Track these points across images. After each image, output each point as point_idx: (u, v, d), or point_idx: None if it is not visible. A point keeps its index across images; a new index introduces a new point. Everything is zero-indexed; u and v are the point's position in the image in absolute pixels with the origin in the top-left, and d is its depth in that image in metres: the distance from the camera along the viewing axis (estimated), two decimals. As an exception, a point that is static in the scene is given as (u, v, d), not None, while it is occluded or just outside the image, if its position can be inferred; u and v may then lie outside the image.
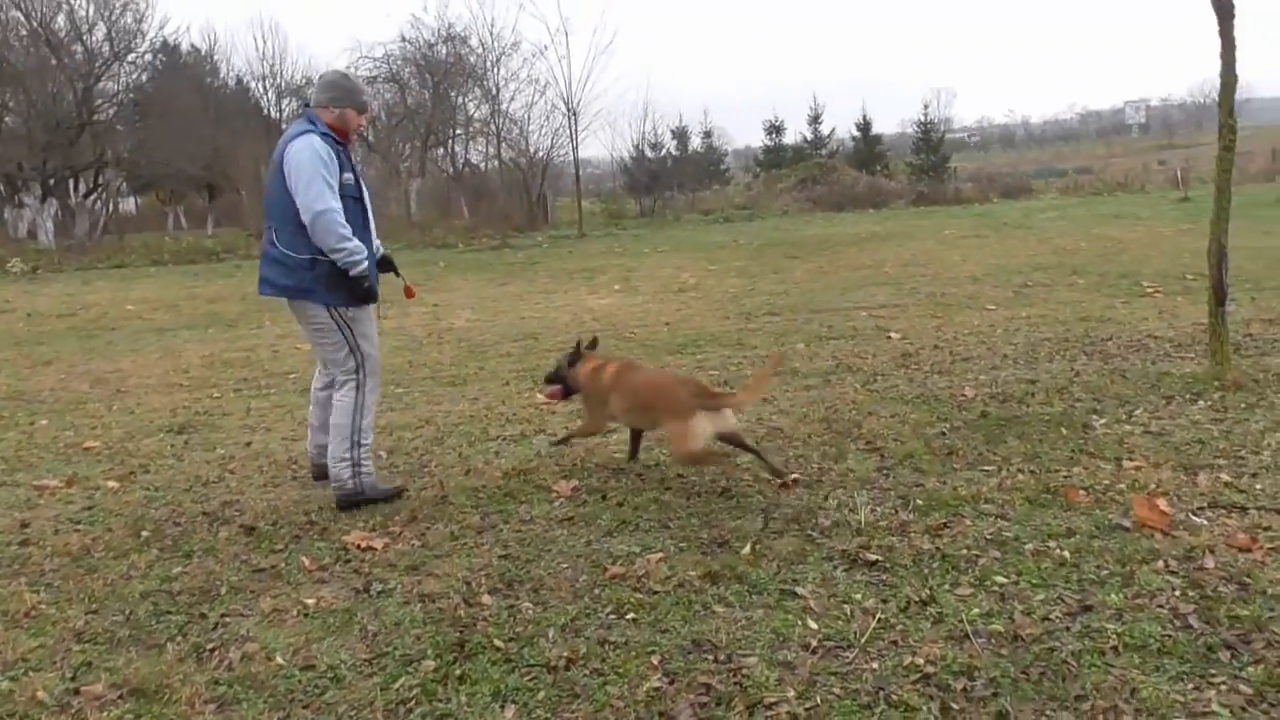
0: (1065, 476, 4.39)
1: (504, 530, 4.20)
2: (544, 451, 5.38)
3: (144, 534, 4.33)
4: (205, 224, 36.45)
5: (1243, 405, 5.35)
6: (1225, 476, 4.24)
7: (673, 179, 35.28)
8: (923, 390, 6.28)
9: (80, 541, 4.24)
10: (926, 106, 47.94)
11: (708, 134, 45.31)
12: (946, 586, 3.36)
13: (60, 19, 32.19)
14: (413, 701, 2.81)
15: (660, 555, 3.79)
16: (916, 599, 3.27)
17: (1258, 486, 4.09)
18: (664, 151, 39.11)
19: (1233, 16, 5.64)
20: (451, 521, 4.33)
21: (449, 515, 4.41)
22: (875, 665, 2.87)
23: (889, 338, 8.60)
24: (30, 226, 29.75)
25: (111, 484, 5.18)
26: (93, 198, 32.84)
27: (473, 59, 32.29)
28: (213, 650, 3.18)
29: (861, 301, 11.09)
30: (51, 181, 30.77)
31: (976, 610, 3.17)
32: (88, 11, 32.29)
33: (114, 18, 32.73)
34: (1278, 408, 5.26)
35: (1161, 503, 3.84)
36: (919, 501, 4.23)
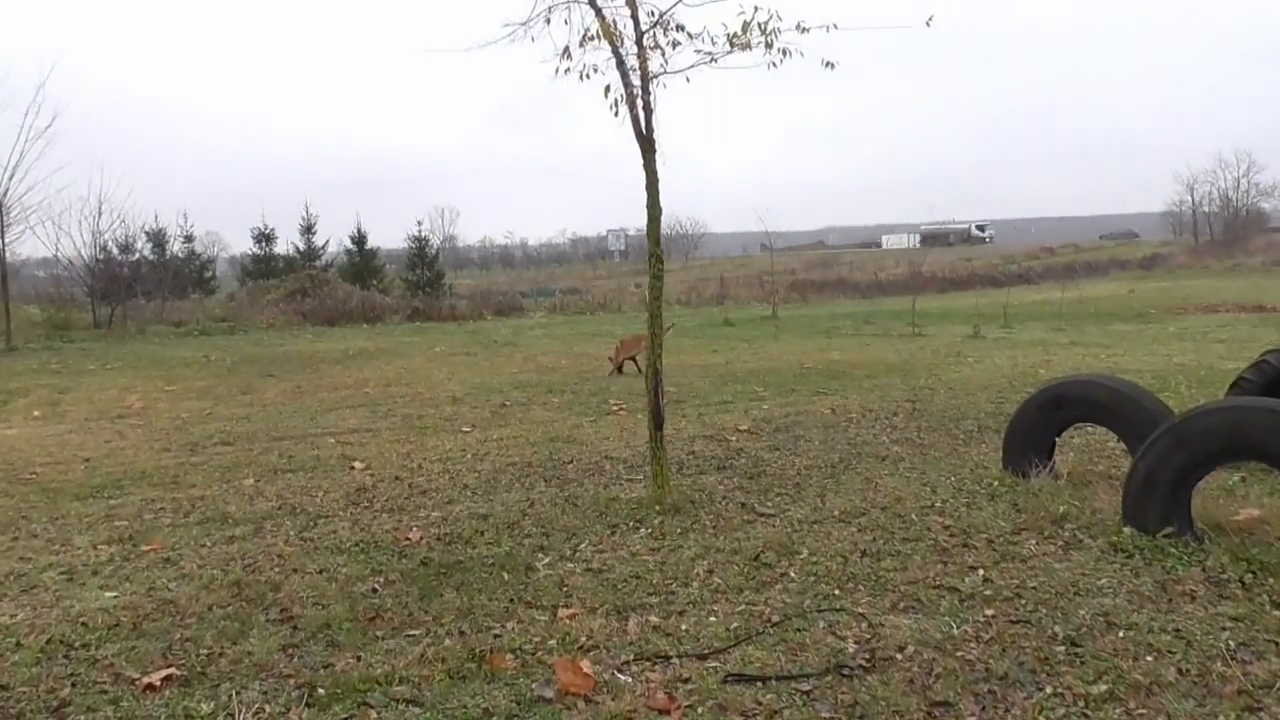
0: (496, 635, 3.88)
1: None
2: None
3: None
4: None
5: (679, 530, 5.34)
6: (654, 618, 4.00)
7: (146, 286, 31.59)
8: (365, 535, 5.54)
9: None
10: (420, 223, 48.90)
11: (188, 238, 41.76)
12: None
13: None
14: None
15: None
16: None
17: (683, 627, 3.89)
18: (137, 255, 35.13)
19: (654, 151, 5.85)
20: None
21: None
22: None
23: (352, 468, 7.81)
24: None
25: None
26: None
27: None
28: None
29: (332, 426, 10.20)
30: None
31: None
32: None
33: None
34: (708, 531, 5.32)
35: (585, 664, 3.45)
36: (321, 691, 3.43)
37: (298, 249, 40.60)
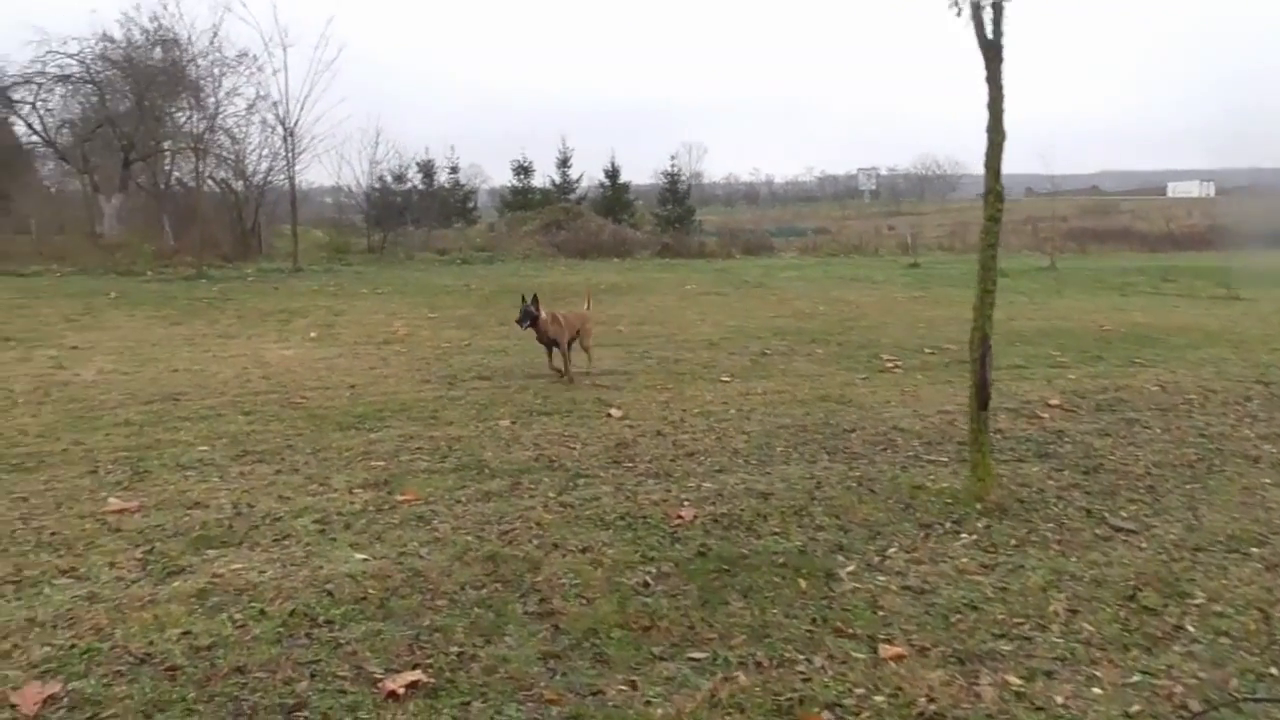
0: (804, 676, 3.03)
1: None
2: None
3: None
4: None
5: (1012, 541, 4.27)
6: (1013, 678, 3.01)
7: (415, 213, 33.06)
8: (631, 506, 4.84)
9: None
10: (673, 158, 48.32)
11: (454, 169, 43.33)
12: None
13: None
14: None
15: None
16: None
17: (1058, 699, 2.88)
18: (409, 185, 36.81)
19: (1000, 60, 4.68)
20: None
21: None
22: None
23: (609, 415, 7.23)
24: None
25: None
26: None
27: (192, 69, 28.74)
28: None
29: (587, 365, 9.72)
30: None
31: None
32: None
33: None
34: (1051, 546, 4.22)
35: (941, 755, 2.53)
36: (590, 731, 2.72)
37: (553, 182, 41.24)
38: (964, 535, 4.35)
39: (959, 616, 3.47)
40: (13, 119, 30.59)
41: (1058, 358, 10.18)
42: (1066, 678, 3.02)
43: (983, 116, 4.74)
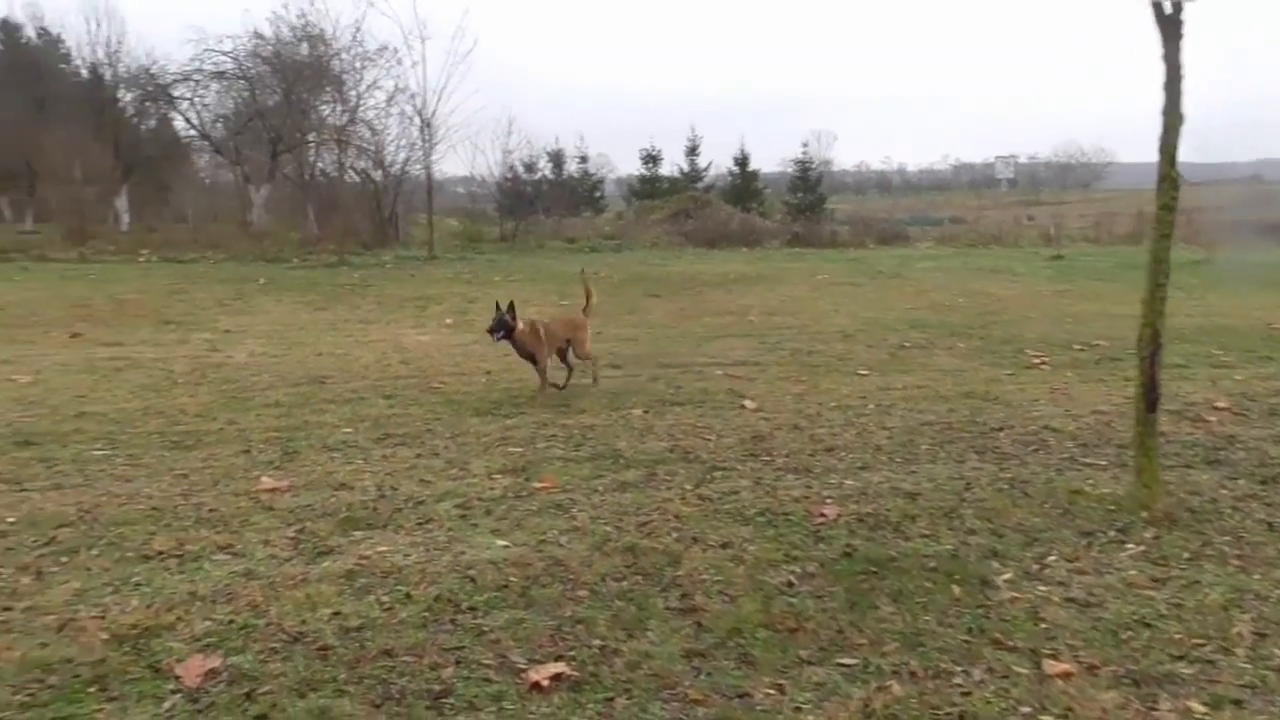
0: (963, 690, 2.86)
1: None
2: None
3: None
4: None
5: (1185, 555, 3.97)
6: (1195, 704, 2.78)
7: (545, 203, 33.52)
8: (771, 501, 4.72)
9: None
10: (805, 145, 47.41)
11: (583, 159, 43.60)
12: None
13: None
14: None
15: None
16: None
17: (1249, 729, 2.64)
18: (539, 174, 37.29)
19: (1180, 36, 4.34)
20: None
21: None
22: None
23: (743, 407, 7.12)
24: None
25: None
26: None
27: (336, 63, 29.85)
28: None
29: (718, 356, 9.63)
30: None
31: None
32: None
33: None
34: (1229, 561, 3.90)
35: (1124, 786, 2.34)
36: (738, 737, 2.64)
37: (681, 170, 41.03)
38: (1130, 545, 4.06)
39: (1130, 634, 3.23)
40: (173, 115, 32.53)
41: (1221, 357, 9.51)
42: (1258, 708, 2.76)
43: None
